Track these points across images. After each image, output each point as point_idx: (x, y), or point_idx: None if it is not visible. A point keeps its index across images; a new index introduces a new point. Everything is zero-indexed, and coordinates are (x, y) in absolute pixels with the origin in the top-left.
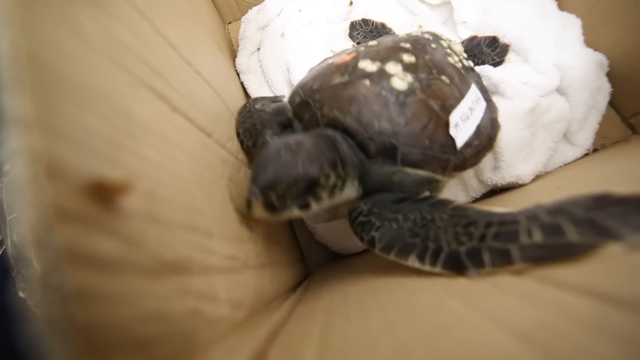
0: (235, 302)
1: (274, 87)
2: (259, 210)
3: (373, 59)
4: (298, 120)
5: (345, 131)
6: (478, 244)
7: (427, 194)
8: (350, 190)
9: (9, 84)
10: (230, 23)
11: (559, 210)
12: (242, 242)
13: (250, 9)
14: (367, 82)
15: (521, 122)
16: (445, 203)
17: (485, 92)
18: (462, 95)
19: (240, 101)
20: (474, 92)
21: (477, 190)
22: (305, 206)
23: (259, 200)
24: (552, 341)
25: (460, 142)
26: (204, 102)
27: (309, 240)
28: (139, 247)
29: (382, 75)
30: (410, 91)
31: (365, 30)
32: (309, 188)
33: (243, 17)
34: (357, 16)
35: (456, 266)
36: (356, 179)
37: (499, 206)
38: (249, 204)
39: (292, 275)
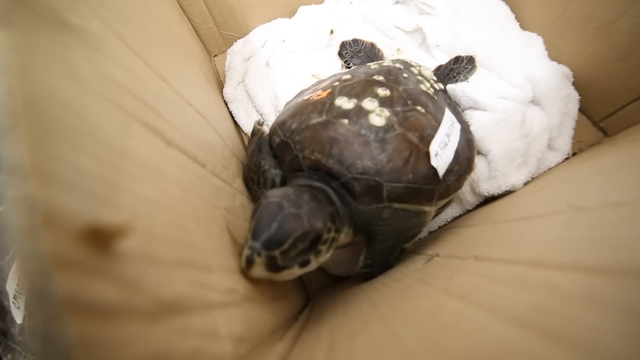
0: (238, 336)
1: (261, 112)
2: (259, 270)
3: (349, 96)
4: (280, 162)
5: (328, 173)
6: None
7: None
8: (344, 238)
9: (4, 132)
10: (216, 56)
11: None
12: (240, 274)
13: (235, 41)
14: (345, 121)
15: (512, 133)
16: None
17: (457, 114)
18: (438, 123)
19: (231, 129)
20: (448, 117)
21: (472, 203)
22: (305, 264)
23: (261, 259)
24: (549, 322)
25: (442, 171)
26: (197, 133)
27: None
28: (137, 290)
29: (360, 113)
30: (388, 126)
31: (354, 50)
32: (313, 244)
33: (229, 49)
34: (339, 43)
35: None
36: (346, 225)
37: (496, 212)
38: (249, 262)
39: (293, 303)
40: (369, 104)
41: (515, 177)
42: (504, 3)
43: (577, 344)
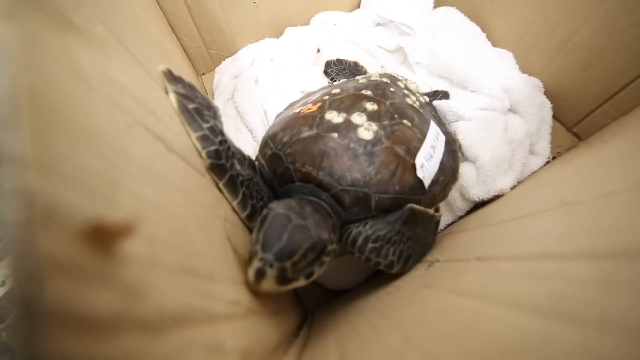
0: (244, 351)
1: (250, 128)
2: (269, 283)
3: (338, 110)
4: (271, 173)
5: (319, 185)
6: None
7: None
8: (337, 248)
9: (5, 121)
10: (203, 74)
11: None
12: (242, 285)
13: (224, 60)
14: (335, 135)
15: (497, 139)
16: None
17: (442, 125)
18: (423, 136)
19: None
20: (433, 129)
21: (462, 209)
22: (310, 275)
23: (273, 270)
24: (572, 307)
25: (427, 181)
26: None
27: None
28: (140, 298)
29: (349, 127)
30: (376, 140)
31: (339, 68)
32: (320, 255)
33: (217, 67)
34: (324, 62)
35: None
36: (338, 235)
37: (490, 215)
38: (259, 274)
39: (293, 318)
40: (357, 118)
41: (502, 182)
42: (475, 24)
43: (604, 324)
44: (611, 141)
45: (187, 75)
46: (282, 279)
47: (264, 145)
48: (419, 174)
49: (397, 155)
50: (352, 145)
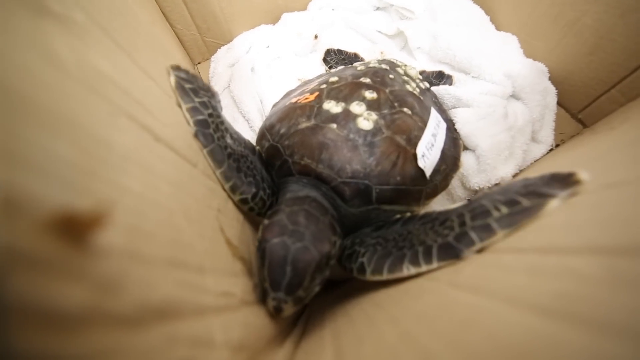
0: (235, 344)
1: (247, 118)
2: (289, 311)
3: (337, 99)
4: (269, 166)
5: (318, 178)
6: (460, 229)
7: (397, 216)
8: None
9: None
10: (199, 63)
11: (506, 190)
12: (236, 277)
13: (219, 48)
14: (334, 125)
15: (496, 126)
16: (413, 217)
17: (443, 112)
18: (424, 124)
19: None
20: (434, 116)
21: (463, 198)
22: (323, 281)
23: (289, 305)
24: (577, 307)
25: (429, 171)
26: (187, 133)
27: None
28: (116, 292)
29: (348, 117)
30: (376, 130)
31: (338, 58)
32: (326, 265)
33: (212, 56)
34: (323, 48)
35: (450, 254)
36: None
37: None
38: (278, 311)
39: None
40: (356, 107)
41: (503, 170)
42: (478, 6)
43: (610, 326)
44: (619, 128)
45: (183, 64)
46: (299, 302)
47: (261, 137)
48: (420, 164)
49: (397, 145)
50: (351, 136)
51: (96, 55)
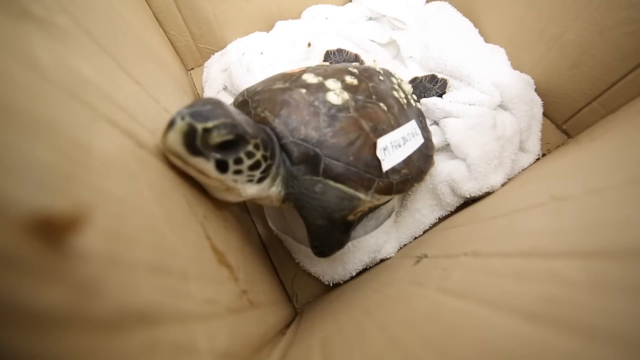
0: (220, 352)
1: None
2: (175, 138)
3: (317, 74)
4: None
5: (273, 132)
6: None
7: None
8: (272, 188)
9: None
10: (192, 69)
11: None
12: (222, 284)
13: (213, 54)
14: (303, 90)
15: (486, 136)
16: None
17: (426, 132)
18: (397, 125)
19: None
20: (412, 126)
21: (452, 204)
22: (222, 165)
23: (183, 124)
24: (562, 312)
25: (386, 165)
26: None
27: (292, 277)
28: (95, 295)
29: (320, 88)
30: (343, 107)
31: (338, 59)
32: (235, 146)
33: (206, 62)
34: (316, 56)
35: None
36: (280, 177)
37: (479, 211)
38: (170, 124)
39: (279, 317)
40: (332, 83)
41: (493, 178)
42: (467, 19)
43: (597, 332)
44: (600, 139)
45: (175, 70)
46: (189, 141)
47: (240, 94)
48: (379, 154)
49: (360, 127)
50: (316, 103)
51: (78, 60)
